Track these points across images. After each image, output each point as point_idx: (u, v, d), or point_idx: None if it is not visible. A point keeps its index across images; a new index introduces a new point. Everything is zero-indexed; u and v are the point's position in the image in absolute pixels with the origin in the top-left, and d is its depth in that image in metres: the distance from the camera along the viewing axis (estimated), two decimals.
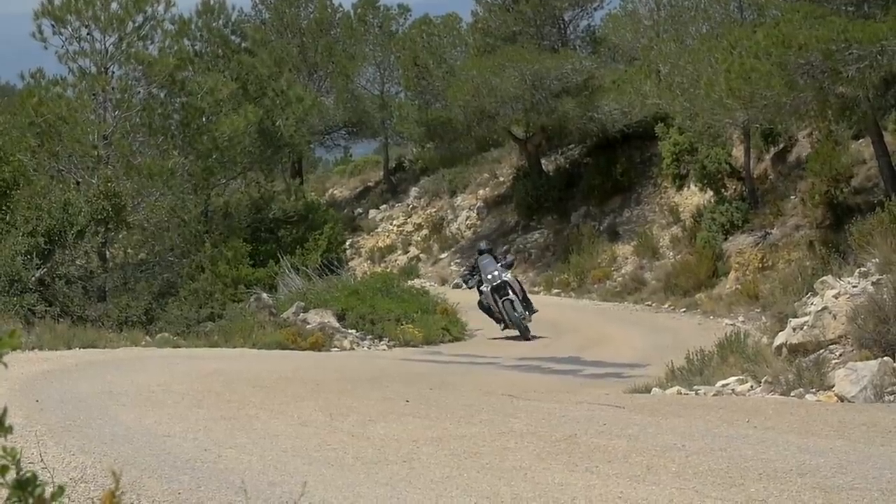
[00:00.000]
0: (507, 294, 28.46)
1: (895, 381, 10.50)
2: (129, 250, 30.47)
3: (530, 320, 28.61)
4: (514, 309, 28.27)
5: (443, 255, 51.23)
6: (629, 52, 46.94)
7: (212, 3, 40.37)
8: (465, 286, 32.41)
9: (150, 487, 6.18)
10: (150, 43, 31.13)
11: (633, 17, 46.81)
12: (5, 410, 2.28)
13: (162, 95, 31.11)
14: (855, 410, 8.88)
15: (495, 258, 30.59)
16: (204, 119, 32.17)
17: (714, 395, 11.90)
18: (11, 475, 2.23)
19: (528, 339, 27.74)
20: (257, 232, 34.26)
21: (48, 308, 24.43)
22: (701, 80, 32.67)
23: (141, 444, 7.74)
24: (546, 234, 47.10)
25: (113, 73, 30.47)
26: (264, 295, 27.97)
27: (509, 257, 34.64)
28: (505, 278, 28.81)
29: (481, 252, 30.56)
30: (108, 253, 28.80)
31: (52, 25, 30.15)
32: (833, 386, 10.57)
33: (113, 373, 13.86)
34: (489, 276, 28.79)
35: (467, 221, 52.78)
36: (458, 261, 49.43)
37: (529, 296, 30.84)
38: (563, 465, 6.37)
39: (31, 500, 2.23)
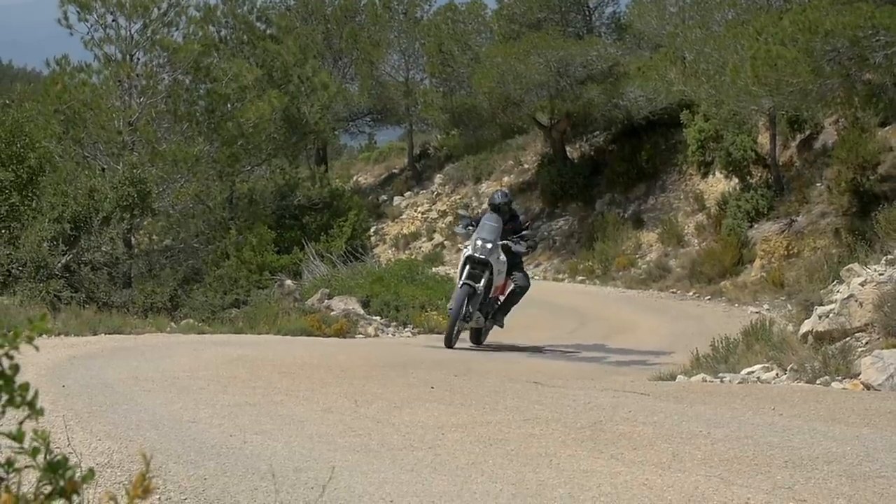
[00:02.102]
0: (476, 281, 20.36)
1: None
2: (154, 237, 30.52)
3: (489, 327, 21.28)
4: (468, 305, 20.26)
5: (467, 243, 51.05)
6: (654, 39, 46.77)
7: None
8: (456, 233, 24.81)
9: (176, 473, 6.20)
10: (174, 29, 31.13)
11: (658, 3, 46.59)
12: (37, 393, 2.29)
13: (187, 82, 31.07)
14: (881, 398, 8.86)
15: (514, 228, 21.41)
16: (229, 106, 32.16)
17: (739, 382, 11.87)
18: (43, 458, 2.25)
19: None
20: (282, 219, 34.30)
21: (74, 294, 24.44)
22: (727, 67, 32.60)
23: (167, 430, 7.76)
24: (571, 221, 47.09)
25: (138, 59, 30.47)
26: (289, 281, 28.04)
27: (528, 242, 22.02)
28: (490, 258, 20.42)
29: (493, 207, 21.74)
30: (133, 239, 28.80)
31: (78, 12, 30.20)
32: (859, 374, 10.55)
33: (138, 359, 13.89)
34: (477, 243, 20.57)
35: None
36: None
37: (517, 305, 21.71)
38: (589, 452, 6.37)
39: (62, 483, 2.24)
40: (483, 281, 20.35)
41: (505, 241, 20.85)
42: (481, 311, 20.64)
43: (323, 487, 4.31)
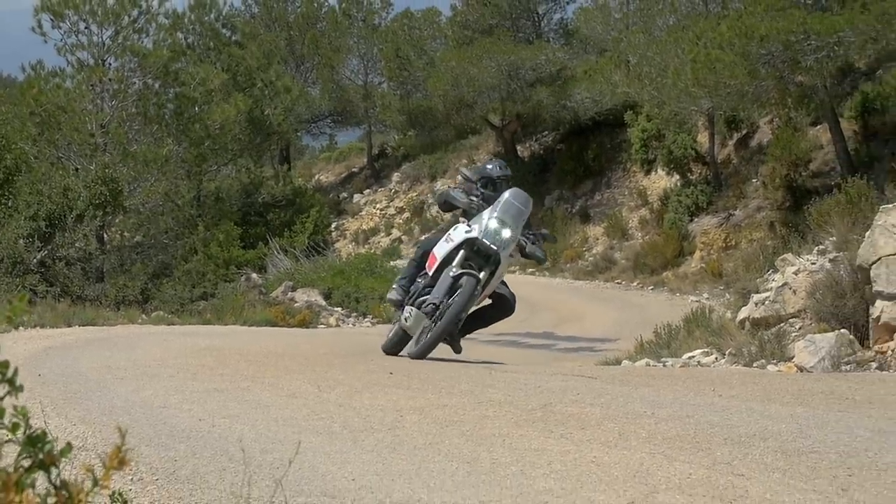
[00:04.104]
0: (478, 277, 13.33)
1: (851, 353, 10.54)
2: (125, 233, 30.57)
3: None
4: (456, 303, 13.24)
5: (422, 238, 51.19)
6: (600, 44, 47.02)
7: None
8: (451, 199, 14.46)
9: (148, 455, 6.19)
10: (144, 36, 31.27)
11: (603, 10, 46.82)
12: (16, 371, 2.30)
13: (156, 86, 31.08)
14: (813, 379, 8.92)
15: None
16: (196, 108, 32.14)
17: (681, 366, 11.94)
18: (22, 431, 2.25)
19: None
20: (247, 215, 34.23)
21: (49, 288, 24.49)
22: (668, 70, 32.79)
23: (139, 415, 7.75)
24: None
25: (110, 64, 30.53)
26: (254, 275, 28.00)
27: (543, 242, 15.06)
28: (502, 254, 13.50)
29: (487, 181, 14.55)
30: (105, 236, 28.86)
31: (52, 20, 30.24)
32: (793, 357, 10.61)
33: (111, 349, 13.86)
34: (490, 225, 13.46)
35: None
36: None
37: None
38: (540, 432, 6.39)
39: (40, 456, 2.25)
40: (483, 280, 13.37)
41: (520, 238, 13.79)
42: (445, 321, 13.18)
43: (290, 462, 4.31)
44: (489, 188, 14.40)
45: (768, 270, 15.67)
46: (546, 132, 49.97)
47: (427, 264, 13.90)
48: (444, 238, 13.97)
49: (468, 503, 4.83)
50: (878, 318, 10.73)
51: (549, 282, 37.73)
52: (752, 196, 35.37)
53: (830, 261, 13.42)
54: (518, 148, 50.49)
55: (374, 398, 8.15)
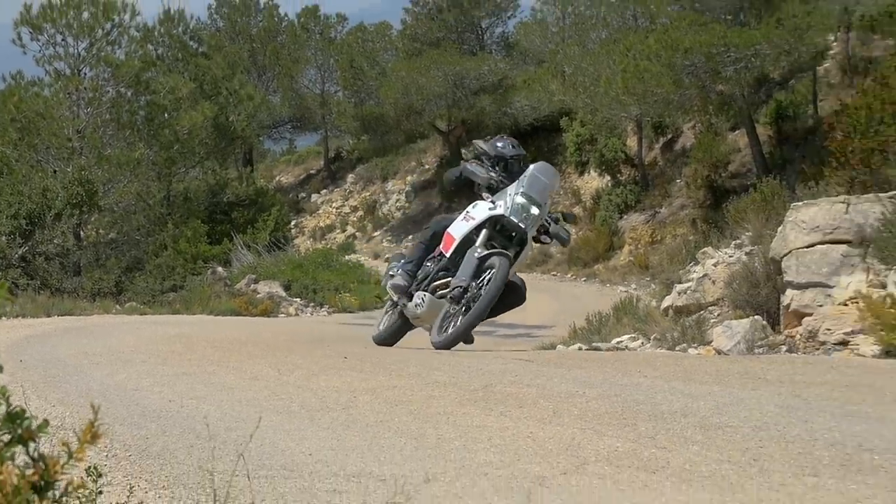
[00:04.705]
0: (510, 257, 11.56)
1: (764, 337, 10.65)
2: (100, 230, 30.46)
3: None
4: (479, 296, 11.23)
5: (376, 234, 51.39)
6: (538, 56, 47.10)
7: (172, 12, 40.37)
8: (469, 174, 12.43)
9: (122, 433, 6.18)
10: (117, 48, 31.17)
11: (541, 24, 46.98)
12: None
13: (129, 94, 30.96)
14: (730, 361, 8.99)
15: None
16: (166, 115, 32.05)
17: (610, 350, 12.01)
18: (2, 409, 2.26)
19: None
20: (213, 214, 34.08)
21: (30, 281, 24.52)
22: (600, 80, 32.89)
23: (113, 397, 7.73)
24: None
25: (85, 74, 30.43)
26: (220, 269, 27.93)
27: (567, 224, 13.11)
28: (529, 233, 11.84)
29: (516, 157, 12.63)
30: (82, 233, 28.79)
31: (31, 33, 30.14)
32: (711, 341, 10.71)
33: (87, 337, 13.83)
34: (518, 201, 11.68)
35: (397, 204, 52.88)
36: (389, 238, 49.62)
37: None
38: (481, 410, 6.41)
39: (19, 431, 2.26)
40: (508, 263, 11.40)
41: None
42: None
43: (250, 437, 4.32)
44: (499, 168, 12.33)
45: (690, 263, 15.82)
46: (489, 136, 50.00)
47: (443, 246, 11.95)
48: (461, 217, 11.99)
49: (415, 475, 4.85)
50: (788, 305, 10.84)
51: None
52: (676, 195, 35.59)
53: (746, 254, 13.56)
54: (462, 151, 50.33)
55: (329, 380, 8.16)
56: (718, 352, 10.12)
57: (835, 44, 34.94)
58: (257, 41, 56.96)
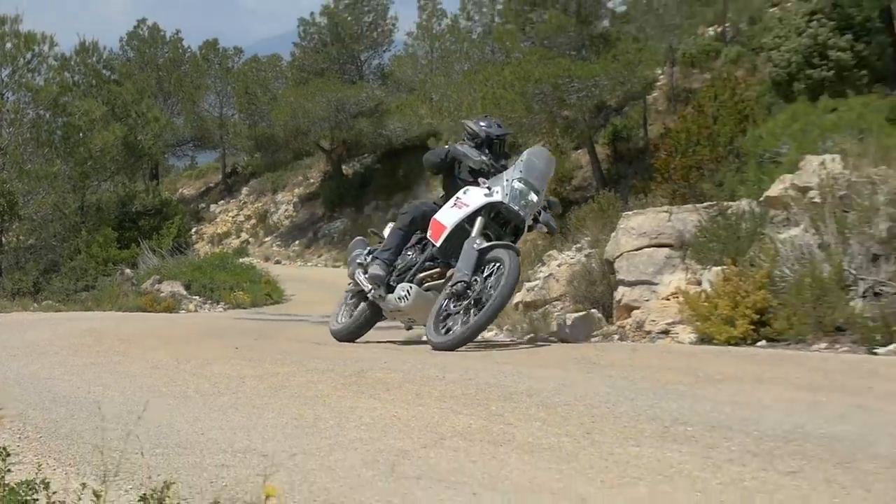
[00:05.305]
0: (518, 251, 9.60)
1: (599, 327, 10.80)
2: (20, 237, 29.95)
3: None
4: (485, 297, 9.13)
5: (266, 239, 51.27)
6: (409, 84, 47.23)
7: (87, 44, 39.75)
8: (460, 156, 10.35)
9: (34, 417, 6.08)
10: (37, 75, 30.75)
11: (412, 57, 47.10)
12: None
13: (47, 116, 30.52)
14: (569, 349, 9.08)
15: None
16: (81, 134, 31.60)
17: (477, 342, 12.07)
18: None
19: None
20: (123, 222, 33.63)
21: None
22: (463, 105, 33.08)
23: (27, 385, 7.60)
24: (345, 222, 47.34)
25: (7, 98, 29.95)
26: (128, 270, 27.62)
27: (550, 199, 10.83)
28: (527, 220, 9.93)
29: (502, 137, 10.81)
30: (3, 239, 28.33)
31: None
32: (555, 331, 10.80)
33: (6, 332, 13.55)
34: (516, 186, 9.73)
35: (285, 213, 52.77)
36: (278, 243, 49.50)
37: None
38: (354, 393, 6.42)
39: None
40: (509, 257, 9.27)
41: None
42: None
43: (138, 417, 4.28)
44: (483, 149, 10.43)
45: (538, 264, 15.93)
46: (366, 154, 50.13)
47: (431, 234, 9.99)
48: (450, 203, 9.97)
49: (294, 450, 4.85)
50: (620, 300, 11.01)
51: None
52: None
53: (585, 256, 13.74)
54: (343, 167, 50.62)
55: (221, 368, 8.10)
56: (562, 340, 10.21)
57: (662, 76, 35.55)
58: (163, 70, 56.44)
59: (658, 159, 23.23)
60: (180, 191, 59.98)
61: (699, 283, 10.31)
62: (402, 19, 55.48)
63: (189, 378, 7.54)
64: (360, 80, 50.16)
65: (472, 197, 9.81)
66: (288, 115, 47.45)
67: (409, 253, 10.46)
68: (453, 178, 10.44)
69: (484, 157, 10.13)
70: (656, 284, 10.97)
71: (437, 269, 10.01)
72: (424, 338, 10.37)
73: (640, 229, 11.25)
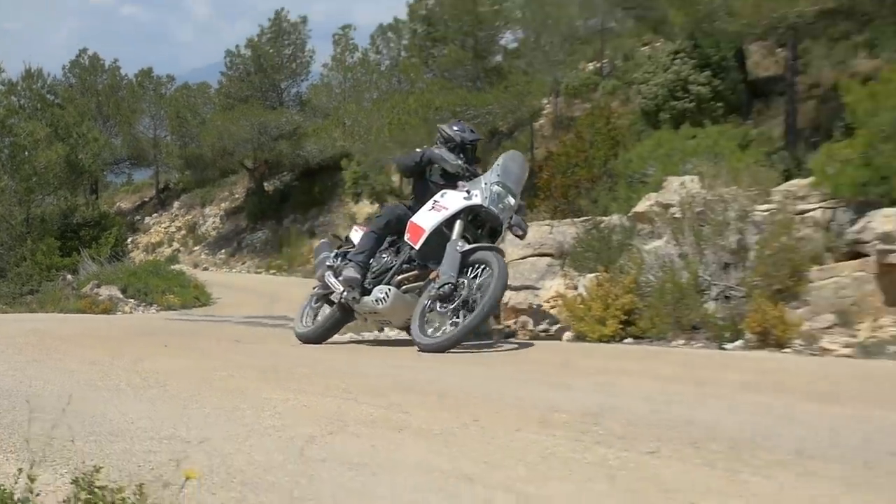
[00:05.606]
0: (502, 252, 9.05)
1: (490, 328, 10.85)
2: None
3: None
4: (472, 299, 8.40)
5: (195, 248, 50.80)
6: (325, 110, 47.14)
7: (32, 70, 39.20)
8: (438, 160, 9.51)
9: None
10: None
11: (327, 86, 47.07)
12: None
13: None
14: (464, 347, 9.14)
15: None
16: (26, 153, 31.25)
17: (371, 339, 12.05)
18: None
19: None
20: (65, 232, 33.21)
21: None
22: (372, 130, 33.16)
23: None
24: (267, 233, 47.04)
25: None
26: (69, 276, 27.23)
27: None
28: (504, 223, 9.13)
29: (472, 143, 9.83)
30: None
31: None
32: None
33: None
34: (494, 189, 8.99)
35: (213, 225, 52.33)
36: (206, 252, 49.08)
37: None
38: (270, 386, 6.40)
39: None
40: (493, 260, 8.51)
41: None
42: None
43: (63, 410, 4.24)
44: (458, 153, 9.57)
45: None
46: (285, 173, 49.87)
47: (409, 237, 9.14)
48: (428, 206, 9.13)
49: (217, 436, 4.84)
50: (507, 303, 11.06)
51: (286, 280, 37.55)
52: None
53: None
54: (265, 184, 50.34)
55: (152, 364, 8.02)
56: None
57: (547, 105, 35.91)
58: (102, 95, 55.64)
59: (541, 179, 23.45)
60: (117, 204, 59.13)
61: (576, 288, 10.43)
62: (319, 52, 55.41)
63: (122, 373, 7.46)
64: (281, 107, 49.90)
65: (451, 200, 9.02)
66: (215, 136, 47.18)
67: (383, 256, 9.58)
68: (424, 181, 9.62)
69: (460, 161, 9.36)
70: (539, 289, 11.06)
71: (415, 272, 9.16)
72: (393, 336, 10.26)
73: (525, 241, 11.35)
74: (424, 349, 8.19)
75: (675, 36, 28.01)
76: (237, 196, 52.89)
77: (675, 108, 27.12)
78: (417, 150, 9.82)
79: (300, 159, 46.31)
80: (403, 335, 9.87)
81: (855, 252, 8.03)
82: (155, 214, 56.51)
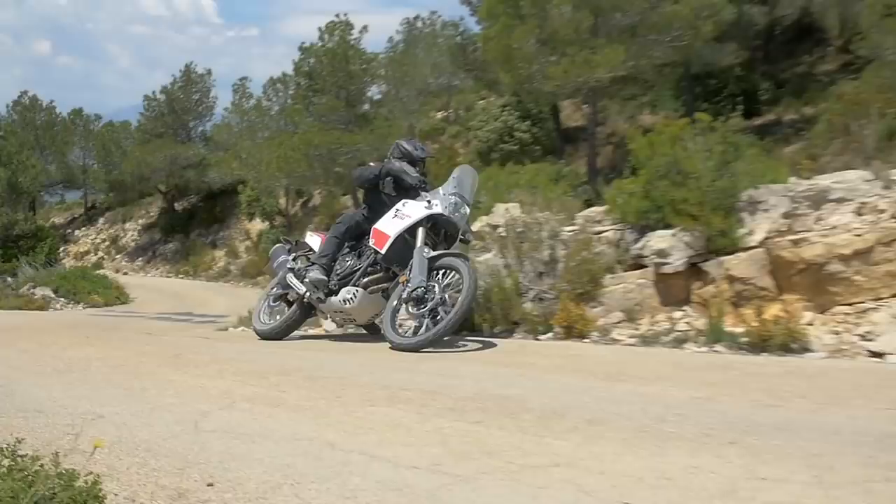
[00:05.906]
0: (468, 258, 7.78)
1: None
2: None
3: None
4: (442, 300, 7.43)
5: (117, 257, 49.41)
6: (225, 145, 46.16)
7: None
8: (400, 174, 8.33)
9: None
10: None
11: (228, 126, 46.14)
12: None
13: None
14: (338, 338, 9.09)
15: None
16: None
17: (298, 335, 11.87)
18: None
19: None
20: (6, 242, 31.99)
21: None
22: (263, 162, 32.76)
23: None
24: (177, 245, 46.08)
25: None
26: (9, 278, 26.22)
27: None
28: (461, 231, 8.17)
29: (423, 159, 8.68)
30: None
31: None
32: (322, 325, 10.72)
33: None
34: (451, 199, 8.04)
35: (132, 237, 50.97)
36: (126, 260, 47.91)
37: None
38: (173, 370, 6.26)
39: None
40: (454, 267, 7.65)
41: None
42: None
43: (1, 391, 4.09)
44: (414, 166, 8.54)
45: None
46: (192, 195, 48.83)
47: (374, 242, 8.13)
48: (391, 214, 8.15)
49: (126, 412, 4.73)
50: None
51: (192, 283, 36.82)
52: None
53: None
54: (175, 204, 49.23)
55: (75, 352, 7.76)
56: (327, 332, 10.17)
57: None
58: (40, 129, 53.51)
59: None
60: (52, 220, 56.90)
61: None
62: (221, 98, 54.82)
63: (49, 360, 7.20)
64: (189, 141, 48.93)
65: (413, 209, 8.01)
66: (134, 165, 46.24)
67: (346, 259, 8.54)
68: (377, 192, 8.49)
69: (417, 174, 8.29)
70: None
71: (380, 274, 8.23)
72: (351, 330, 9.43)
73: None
74: (398, 348, 7.27)
75: (503, 92, 28.58)
76: (152, 214, 51.66)
77: (503, 150, 27.63)
78: (372, 164, 8.85)
79: (204, 185, 45.56)
80: (340, 331, 9.47)
81: (638, 264, 8.26)
82: (83, 228, 54.79)
